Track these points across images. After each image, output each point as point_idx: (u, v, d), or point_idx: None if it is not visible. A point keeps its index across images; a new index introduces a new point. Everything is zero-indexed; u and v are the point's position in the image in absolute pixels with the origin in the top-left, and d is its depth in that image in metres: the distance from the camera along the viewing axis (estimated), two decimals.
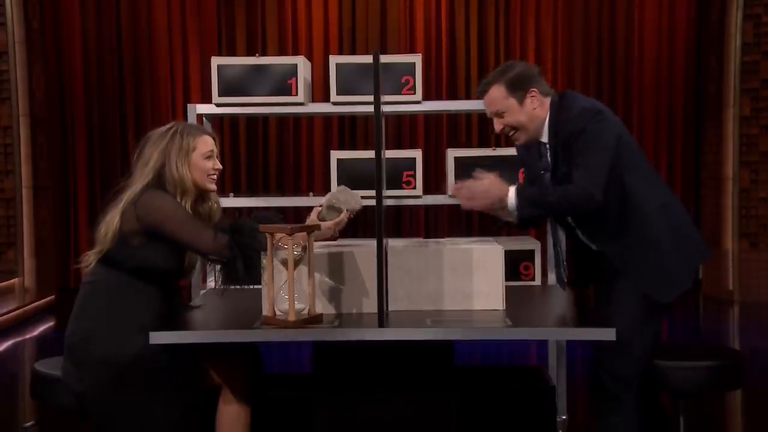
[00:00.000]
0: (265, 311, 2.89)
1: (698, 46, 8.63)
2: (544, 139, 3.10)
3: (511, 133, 3.11)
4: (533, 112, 3.06)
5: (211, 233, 2.91)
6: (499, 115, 3.08)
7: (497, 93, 3.06)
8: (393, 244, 3.23)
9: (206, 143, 3.06)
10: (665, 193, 3.17)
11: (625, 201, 3.03)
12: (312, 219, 3.06)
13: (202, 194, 3.08)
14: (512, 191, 2.99)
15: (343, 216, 3.05)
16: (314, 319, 2.84)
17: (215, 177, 3.08)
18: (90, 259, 3.00)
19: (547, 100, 3.09)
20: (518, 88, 3.05)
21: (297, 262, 2.81)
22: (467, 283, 3.01)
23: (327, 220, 3.04)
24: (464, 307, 3.01)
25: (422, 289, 3.01)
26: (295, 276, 2.80)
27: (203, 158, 3.03)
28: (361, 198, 3.11)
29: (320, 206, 3.09)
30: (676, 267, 3.06)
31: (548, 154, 3.10)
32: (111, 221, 2.94)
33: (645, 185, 3.07)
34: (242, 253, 2.91)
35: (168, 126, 3.08)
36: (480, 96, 3.13)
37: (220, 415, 3.04)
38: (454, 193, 3.09)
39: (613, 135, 3.00)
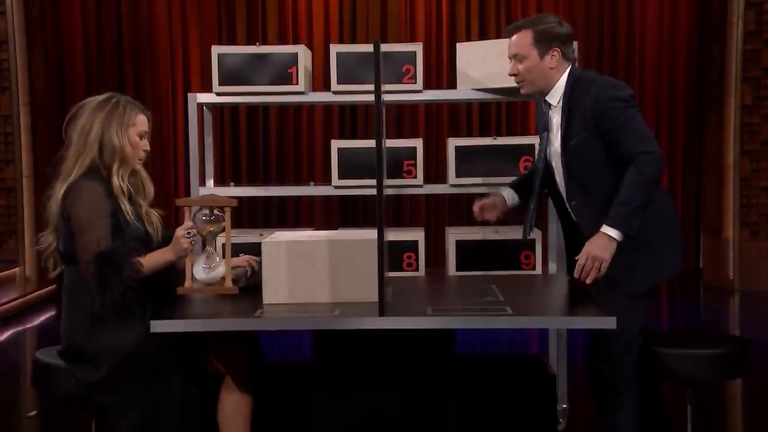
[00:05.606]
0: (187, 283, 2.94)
1: (700, 35, 8.61)
2: (552, 100, 3.12)
3: (520, 81, 3.14)
4: (549, 70, 3.09)
5: (92, 256, 2.79)
6: (519, 59, 3.12)
7: (524, 39, 3.10)
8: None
9: (143, 122, 3.05)
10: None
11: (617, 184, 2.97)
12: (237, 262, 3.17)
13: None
14: (614, 232, 2.89)
15: (241, 272, 3.15)
16: (229, 290, 2.93)
17: (143, 160, 3.05)
18: (49, 239, 2.97)
19: (567, 65, 3.11)
20: (544, 42, 3.08)
21: (213, 234, 2.96)
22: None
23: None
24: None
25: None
26: (212, 248, 2.96)
27: (137, 136, 3.02)
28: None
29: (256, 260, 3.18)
30: (645, 262, 3.02)
31: (553, 115, 3.12)
32: (57, 198, 2.92)
33: None
34: (107, 285, 2.81)
35: (107, 95, 3.05)
36: (507, 35, 3.18)
37: (222, 403, 3.04)
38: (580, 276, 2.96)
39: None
